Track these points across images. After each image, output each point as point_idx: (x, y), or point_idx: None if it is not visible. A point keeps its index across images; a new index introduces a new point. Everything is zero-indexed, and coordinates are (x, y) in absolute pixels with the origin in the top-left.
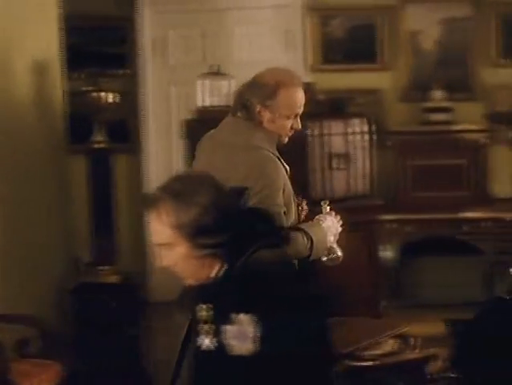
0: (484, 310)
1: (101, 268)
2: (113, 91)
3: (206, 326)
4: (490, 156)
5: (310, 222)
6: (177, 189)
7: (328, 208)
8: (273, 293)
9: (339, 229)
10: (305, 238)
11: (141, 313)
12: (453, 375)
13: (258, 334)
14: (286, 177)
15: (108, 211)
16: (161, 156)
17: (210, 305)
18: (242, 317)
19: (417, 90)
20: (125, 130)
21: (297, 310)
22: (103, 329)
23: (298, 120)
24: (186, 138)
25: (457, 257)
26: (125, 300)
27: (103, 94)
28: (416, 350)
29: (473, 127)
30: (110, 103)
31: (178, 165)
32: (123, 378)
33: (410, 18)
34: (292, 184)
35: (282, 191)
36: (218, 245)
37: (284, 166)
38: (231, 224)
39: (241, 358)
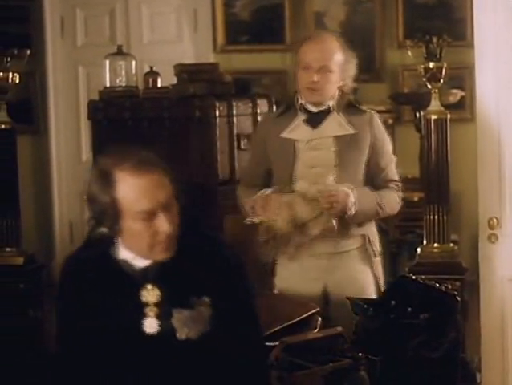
0: (388, 289)
1: (6, 250)
2: (17, 72)
3: (155, 309)
4: (396, 137)
5: None
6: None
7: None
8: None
9: None
10: None
11: (45, 295)
12: (359, 354)
13: (211, 316)
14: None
15: (13, 192)
16: (69, 136)
17: (160, 287)
18: (197, 299)
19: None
20: (30, 111)
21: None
22: (5, 311)
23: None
24: (91, 118)
25: None
26: (30, 282)
27: (6, 74)
28: (316, 330)
29: (378, 107)
30: (14, 84)
31: (86, 146)
32: (25, 359)
33: None
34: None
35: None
36: None
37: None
38: None
39: (188, 342)
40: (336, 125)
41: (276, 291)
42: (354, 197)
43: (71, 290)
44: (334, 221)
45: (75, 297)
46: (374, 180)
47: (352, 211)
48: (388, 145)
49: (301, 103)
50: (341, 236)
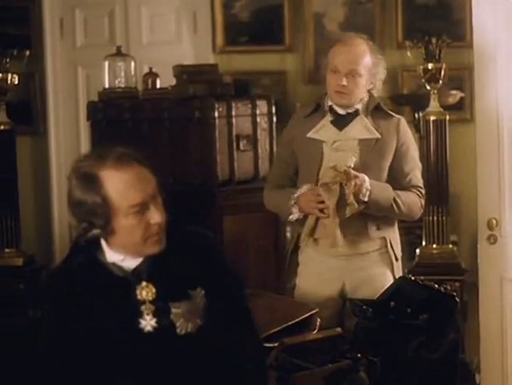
0: (387, 290)
1: (5, 250)
2: (17, 73)
3: (152, 306)
4: None
5: None
6: (132, 153)
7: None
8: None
9: None
10: None
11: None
12: (359, 355)
13: (206, 307)
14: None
15: (13, 193)
16: (69, 137)
17: (155, 283)
18: (191, 291)
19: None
20: (29, 112)
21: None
22: (5, 311)
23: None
24: (91, 120)
25: None
26: (30, 282)
27: (6, 75)
28: (315, 331)
29: None
30: (13, 85)
31: (86, 147)
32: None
33: (314, 0)
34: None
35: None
36: None
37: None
38: None
39: (188, 337)
40: (362, 128)
41: (296, 291)
42: (369, 185)
43: (62, 301)
44: (355, 203)
45: (68, 306)
46: (397, 184)
47: (366, 198)
48: (414, 151)
49: (329, 105)
50: (360, 237)
